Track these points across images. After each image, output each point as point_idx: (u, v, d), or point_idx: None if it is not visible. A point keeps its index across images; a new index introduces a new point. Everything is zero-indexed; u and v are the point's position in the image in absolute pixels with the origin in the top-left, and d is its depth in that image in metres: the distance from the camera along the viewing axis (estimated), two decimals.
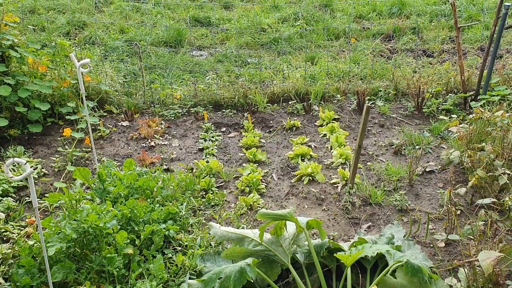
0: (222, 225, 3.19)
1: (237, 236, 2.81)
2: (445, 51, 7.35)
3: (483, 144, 3.66)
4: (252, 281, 2.65)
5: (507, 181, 3.28)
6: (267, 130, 5.04)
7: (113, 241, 2.77)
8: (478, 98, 5.17)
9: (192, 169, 4.14)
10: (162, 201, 3.40)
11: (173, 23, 8.20)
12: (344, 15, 8.71)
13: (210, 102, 5.49)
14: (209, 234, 3.03)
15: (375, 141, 4.77)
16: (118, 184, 3.28)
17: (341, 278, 2.73)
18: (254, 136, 4.73)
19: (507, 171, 3.36)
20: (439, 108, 5.26)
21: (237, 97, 5.37)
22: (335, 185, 4.04)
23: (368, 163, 4.35)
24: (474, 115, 3.97)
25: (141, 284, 2.57)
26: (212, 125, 5.08)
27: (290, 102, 5.43)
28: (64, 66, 5.17)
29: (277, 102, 5.51)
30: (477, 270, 2.63)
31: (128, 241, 2.79)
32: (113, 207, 3.03)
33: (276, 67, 6.31)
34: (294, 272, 2.64)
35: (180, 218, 3.25)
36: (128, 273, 2.72)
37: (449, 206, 3.15)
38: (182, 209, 3.24)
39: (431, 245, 3.26)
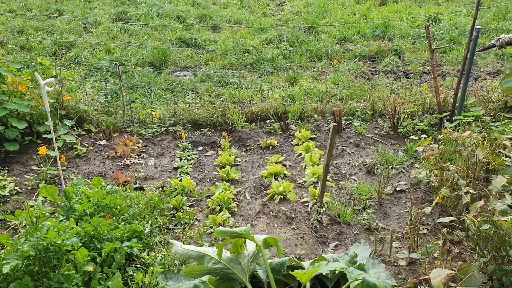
0: (187, 244, 3.20)
1: (197, 254, 2.82)
2: (426, 73, 7.47)
3: (448, 163, 3.71)
4: None
5: (468, 200, 3.32)
6: (244, 149, 5.08)
7: (73, 259, 2.77)
8: (453, 118, 5.24)
9: (163, 187, 4.16)
10: (129, 219, 3.41)
11: (159, 44, 8.32)
12: (329, 37, 8.86)
13: (189, 121, 5.54)
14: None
15: (349, 160, 4.81)
16: (85, 201, 3.30)
17: None
18: (229, 155, 4.77)
19: (471, 190, 3.40)
20: (415, 128, 5.33)
21: (215, 116, 5.42)
22: (306, 204, 4.07)
23: (341, 182, 4.39)
24: (442, 135, 4.03)
25: None
26: (190, 144, 5.12)
27: (267, 122, 5.48)
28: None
29: (255, 122, 5.56)
30: None
31: (89, 258, 2.80)
32: (77, 224, 3.05)
33: (257, 87, 6.38)
34: None
35: (145, 236, 3.25)
36: None
37: (412, 225, 3.17)
38: (147, 227, 3.25)
39: (395, 264, 3.28)
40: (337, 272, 2.95)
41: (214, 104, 5.67)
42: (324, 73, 7.35)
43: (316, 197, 4.05)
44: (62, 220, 3.09)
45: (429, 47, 5.34)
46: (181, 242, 3.14)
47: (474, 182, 3.64)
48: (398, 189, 4.20)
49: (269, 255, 3.28)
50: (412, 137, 4.91)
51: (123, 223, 3.22)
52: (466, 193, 3.37)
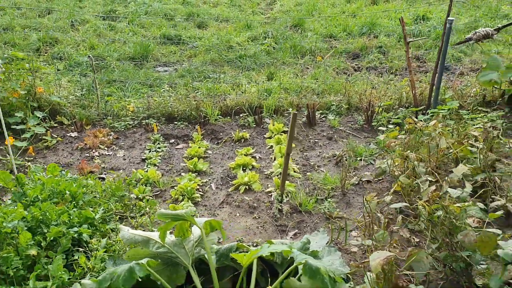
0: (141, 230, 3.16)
1: (142, 239, 2.78)
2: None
3: (409, 151, 3.66)
4: (158, 283, 2.62)
5: (426, 188, 3.26)
6: (216, 142, 5.05)
7: (15, 242, 2.74)
8: (427, 111, 5.20)
9: (125, 178, 4.12)
10: (84, 206, 3.37)
11: (144, 40, 8.30)
12: (315, 35, 8.83)
13: (164, 115, 5.51)
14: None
15: (320, 152, 4.77)
16: (38, 187, 3.26)
17: (250, 282, 2.69)
18: (199, 147, 4.73)
19: (430, 178, 3.35)
20: (390, 122, 5.28)
21: (189, 109, 5.39)
22: (270, 194, 4.02)
23: (308, 173, 4.34)
24: (407, 125, 3.99)
25: (37, 284, 2.53)
26: (161, 137, 5.09)
27: (241, 115, 5.45)
28: (17, 77, 5.20)
29: (230, 115, 5.53)
30: (379, 273, 2.60)
31: (33, 242, 2.76)
32: (26, 209, 3.01)
33: (235, 82, 6.36)
34: (194, 275, 2.61)
35: (97, 223, 3.21)
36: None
37: (368, 213, 3.13)
38: (98, 213, 3.21)
39: (351, 252, 3.23)
40: (288, 258, 2.91)
41: (189, 97, 5.64)
42: (307, 69, 7.32)
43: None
44: (10, 205, 3.06)
45: (404, 40, 5.30)
46: (128, 227, 3.10)
47: (436, 171, 3.60)
48: (363, 179, 4.15)
49: (226, 242, 3.24)
50: (380, 128, 4.85)
51: (75, 209, 3.18)
52: (424, 181, 3.32)
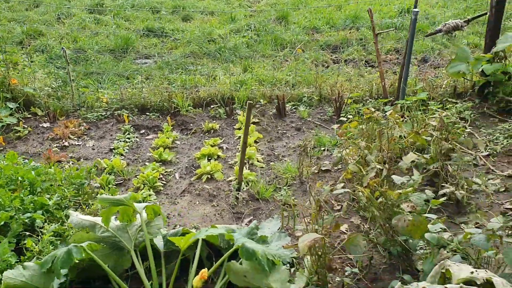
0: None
1: (89, 223, 2.87)
2: (386, 61, 7.47)
3: (360, 140, 3.74)
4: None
5: (373, 175, 3.34)
6: (186, 133, 5.12)
7: None
8: (394, 103, 5.26)
9: (87, 167, 4.20)
10: (43, 193, 3.46)
11: (126, 33, 8.36)
12: (298, 27, 8.88)
13: (137, 106, 5.59)
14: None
15: (286, 143, 4.84)
16: None
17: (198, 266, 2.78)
18: (167, 138, 4.81)
19: (378, 166, 3.42)
20: (359, 113, 5.34)
21: (160, 101, 5.47)
22: (231, 183, 4.10)
23: (271, 163, 4.42)
24: (364, 115, 4.06)
25: None
26: (132, 127, 5.17)
27: (213, 106, 5.52)
28: None
29: (202, 106, 5.60)
30: (315, 256, 2.68)
31: None
32: None
33: (211, 74, 6.42)
34: (135, 258, 2.69)
35: (52, 209, 3.30)
36: None
37: (316, 200, 3.20)
38: (52, 200, 3.30)
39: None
40: (232, 243, 2.99)
41: (162, 89, 5.71)
42: (286, 61, 7.38)
43: (243, 176, 4.08)
44: None
45: (373, 32, 5.36)
46: (77, 213, 3.18)
47: (388, 160, 3.67)
48: (323, 168, 4.23)
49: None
50: (341, 118, 4.92)
51: (30, 195, 3.26)
52: (372, 169, 3.39)
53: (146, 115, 5.45)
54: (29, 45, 7.87)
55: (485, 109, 5.45)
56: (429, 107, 5.13)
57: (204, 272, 2.50)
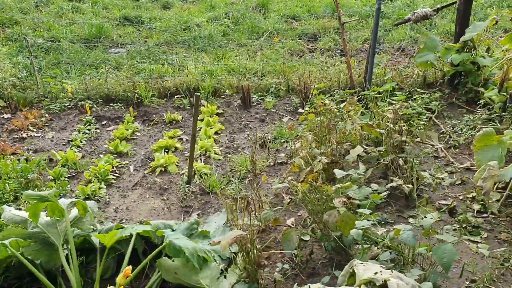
0: None
1: (21, 219, 2.83)
2: (364, 51, 7.38)
3: (307, 133, 3.69)
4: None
5: (319, 169, 3.29)
6: (147, 124, 5.07)
7: None
8: (359, 93, 5.20)
9: (42, 159, 4.16)
10: None
11: (101, 22, 8.25)
12: (277, 15, 8.77)
13: (102, 96, 5.52)
14: None
15: (248, 135, 4.79)
16: None
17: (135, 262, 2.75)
18: (126, 129, 4.75)
19: (324, 159, 3.37)
20: (324, 104, 5.28)
21: (123, 91, 5.40)
22: (184, 175, 4.06)
23: (229, 155, 4.37)
24: (318, 107, 4.00)
25: None
26: (94, 118, 5.11)
27: (177, 97, 5.45)
28: None
29: (167, 97, 5.53)
30: (242, 253, 2.65)
31: None
32: None
33: (181, 63, 6.34)
34: (61, 254, 2.65)
35: None
36: None
37: (255, 193, 3.16)
38: None
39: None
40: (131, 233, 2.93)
41: (130, 79, 5.63)
42: (261, 50, 7.29)
43: (196, 169, 4.04)
44: None
45: (339, 21, 5.27)
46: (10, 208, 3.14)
47: (338, 153, 3.62)
48: (279, 161, 4.18)
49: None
50: (299, 110, 4.86)
51: None
52: (317, 162, 3.34)
53: (110, 106, 5.39)
54: (2, 34, 7.78)
55: (454, 99, 5.38)
56: (392, 98, 5.08)
57: (128, 269, 2.47)
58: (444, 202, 2.70)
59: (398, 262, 2.65)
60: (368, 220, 2.75)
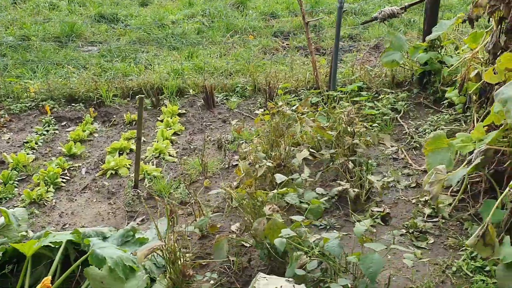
0: None
1: None
2: (340, 49, 7.28)
3: (254, 137, 3.61)
4: None
5: (261, 173, 3.22)
6: (107, 125, 4.99)
7: None
8: (322, 94, 5.12)
9: (1, 161, 4.09)
10: None
11: (73, 20, 8.15)
12: (256, 13, 8.67)
13: (65, 96, 5.43)
14: None
15: (208, 136, 4.70)
16: None
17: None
18: (83, 130, 4.67)
19: (268, 163, 3.29)
20: (290, 104, 5.20)
21: (83, 91, 5.31)
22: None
23: (184, 157, 4.30)
24: (269, 109, 3.92)
25: None
26: (54, 119, 5.03)
27: (138, 97, 5.34)
28: None
29: (130, 97, 5.45)
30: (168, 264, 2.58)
31: None
32: None
33: (150, 62, 6.25)
34: None
35: None
36: None
37: (194, 198, 3.09)
38: None
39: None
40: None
41: (93, 78, 5.55)
42: (234, 48, 7.19)
43: (146, 172, 3.97)
44: None
45: (303, 20, 5.18)
46: None
47: (285, 155, 3.55)
48: (234, 163, 4.11)
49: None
50: (256, 111, 4.78)
51: None
52: (261, 166, 3.26)
53: (71, 106, 5.30)
54: None
55: (422, 99, 5.31)
56: (351, 99, 4.99)
57: (47, 280, 2.40)
58: (377, 209, 2.62)
59: (328, 271, 2.58)
60: (304, 227, 2.68)
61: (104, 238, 2.91)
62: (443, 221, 3.44)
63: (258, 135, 4.01)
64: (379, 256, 2.38)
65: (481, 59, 3.99)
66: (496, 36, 3.43)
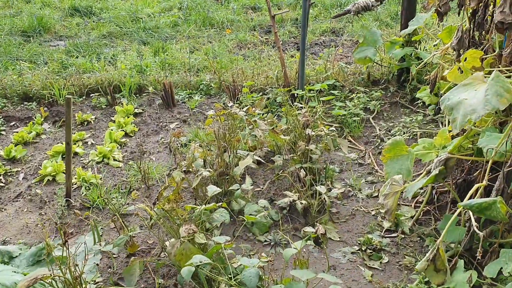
0: None
1: None
2: (319, 44, 6.93)
3: (191, 143, 3.27)
4: None
5: (197, 184, 2.88)
6: (57, 125, 4.66)
7: None
8: (291, 93, 4.77)
9: None
10: None
11: (53, 12, 7.83)
12: (237, 5, 8.29)
13: (19, 94, 5.11)
14: None
15: (162, 138, 4.37)
16: None
17: None
18: (29, 132, 4.35)
19: (205, 173, 2.95)
20: (253, 104, 4.85)
21: (40, 88, 4.99)
22: (73, 186, 3.66)
23: (130, 162, 3.97)
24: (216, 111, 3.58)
25: None
26: (3, 119, 4.71)
27: (93, 95, 5.02)
28: None
29: (86, 95, 5.12)
30: None
31: None
32: None
33: (117, 57, 5.91)
34: None
35: None
36: None
37: (115, 214, 2.76)
38: None
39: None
40: None
41: (47, 76, 5.21)
42: (210, 43, 6.84)
43: (83, 179, 3.64)
44: None
45: (269, 13, 4.82)
46: None
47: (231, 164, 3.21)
48: (184, 169, 3.76)
49: None
50: (209, 112, 4.43)
51: None
52: (198, 176, 2.93)
53: (23, 105, 4.98)
54: None
55: (398, 98, 4.95)
56: (313, 100, 4.65)
57: None
58: (309, 229, 2.28)
59: None
60: (226, 250, 2.35)
61: (11, 258, 2.59)
62: (403, 236, 3.11)
63: (202, 140, 3.68)
64: (304, 286, 2.04)
65: (452, 55, 3.62)
66: (462, 31, 3.06)
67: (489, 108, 1.84)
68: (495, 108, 1.84)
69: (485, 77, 2.02)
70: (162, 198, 2.48)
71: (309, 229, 2.25)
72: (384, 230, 3.16)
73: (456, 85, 2.47)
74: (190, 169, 3.30)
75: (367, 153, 4.14)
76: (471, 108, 1.90)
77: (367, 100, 4.82)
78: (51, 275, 1.98)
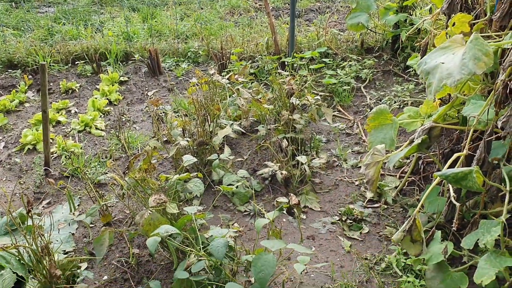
0: None
1: None
2: (314, 10, 6.73)
3: (172, 112, 3.18)
4: None
5: (174, 153, 2.81)
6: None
7: None
8: (281, 60, 4.64)
9: None
10: None
11: None
12: None
13: (3, 62, 5.00)
14: None
15: (147, 106, 4.28)
16: None
17: None
18: (11, 100, 4.27)
19: (182, 142, 2.87)
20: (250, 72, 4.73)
21: (24, 55, 4.87)
22: (53, 155, 3.60)
23: (113, 131, 3.89)
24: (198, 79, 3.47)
25: None
26: None
27: (78, 63, 4.91)
28: None
29: (71, 63, 5.00)
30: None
31: None
32: None
33: (105, 24, 5.76)
34: None
35: None
36: None
37: (87, 182, 2.70)
38: None
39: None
40: None
41: (32, 42, 5.09)
42: (201, 9, 6.65)
43: (63, 148, 3.57)
44: None
45: None
46: None
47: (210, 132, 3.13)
48: (165, 138, 3.69)
49: None
50: (191, 81, 4.31)
51: None
52: (175, 145, 2.85)
53: (7, 73, 4.88)
54: None
55: (391, 67, 4.82)
56: (304, 68, 4.52)
57: None
58: (282, 199, 2.20)
59: (222, 273, 2.20)
60: (201, 220, 2.30)
61: None
62: (385, 207, 3.04)
63: (187, 109, 3.58)
64: (273, 257, 1.99)
65: (444, 21, 3.47)
66: None
67: (466, 73, 1.73)
68: (471, 73, 1.73)
69: (465, 40, 1.90)
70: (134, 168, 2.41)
71: (282, 199, 2.18)
72: (366, 200, 3.10)
73: None
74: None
75: (355, 123, 4.04)
76: (447, 72, 1.79)
77: (359, 69, 4.69)
78: (13, 245, 1.93)
